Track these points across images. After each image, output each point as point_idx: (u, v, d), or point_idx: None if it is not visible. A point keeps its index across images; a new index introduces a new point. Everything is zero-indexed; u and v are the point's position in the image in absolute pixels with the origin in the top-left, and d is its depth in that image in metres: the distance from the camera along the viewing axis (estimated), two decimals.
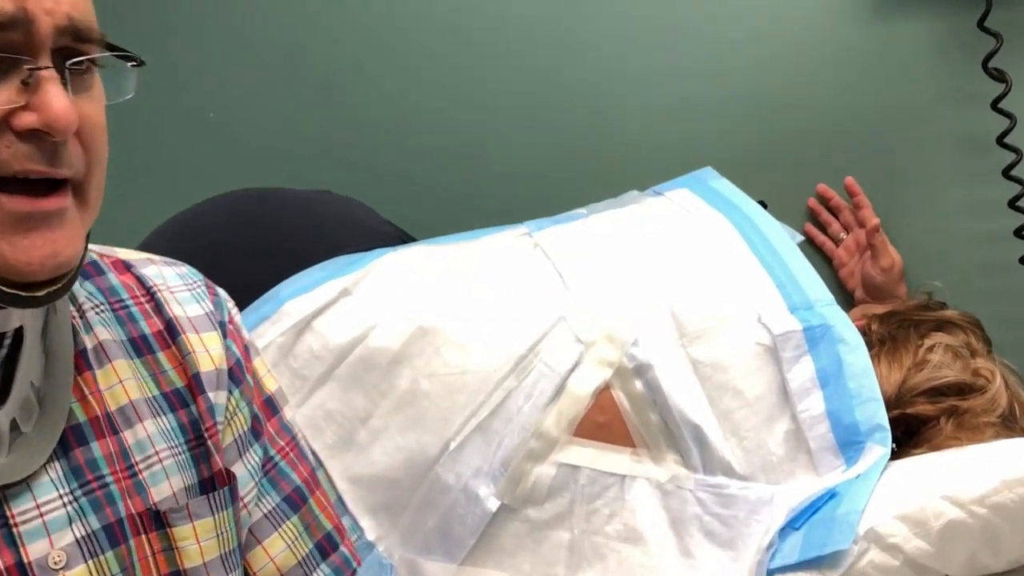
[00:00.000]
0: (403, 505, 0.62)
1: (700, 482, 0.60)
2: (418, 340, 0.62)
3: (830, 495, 0.58)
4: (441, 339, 0.61)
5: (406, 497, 0.61)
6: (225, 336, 0.46)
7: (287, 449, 0.50)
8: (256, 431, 0.47)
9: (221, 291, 0.49)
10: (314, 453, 0.57)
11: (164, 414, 0.41)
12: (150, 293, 0.43)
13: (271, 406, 0.50)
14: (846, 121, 0.81)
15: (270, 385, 0.50)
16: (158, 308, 0.43)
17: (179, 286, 0.45)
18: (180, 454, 0.41)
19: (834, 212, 0.86)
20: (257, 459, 0.47)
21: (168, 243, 0.68)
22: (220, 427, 0.43)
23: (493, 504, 0.60)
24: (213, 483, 0.42)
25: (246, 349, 0.48)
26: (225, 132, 0.90)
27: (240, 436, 0.45)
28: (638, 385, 0.61)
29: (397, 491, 0.62)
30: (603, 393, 0.60)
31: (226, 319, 0.47)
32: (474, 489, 0.60)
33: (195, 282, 0.47)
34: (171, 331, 0.43)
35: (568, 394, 0.60)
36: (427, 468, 0.60)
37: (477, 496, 0.60)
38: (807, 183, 0.86)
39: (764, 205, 0.74)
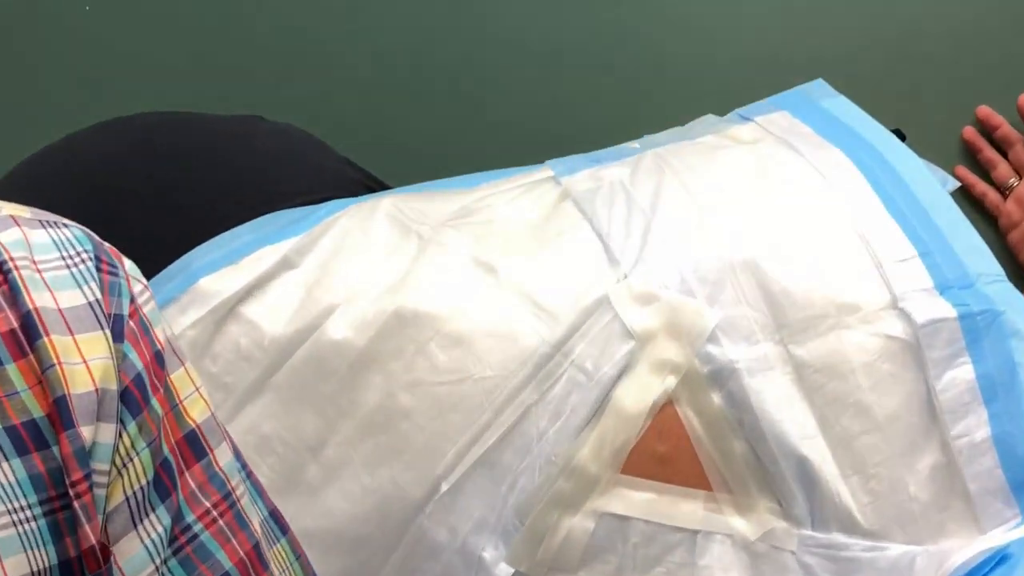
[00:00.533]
0: (373, 574, 0.61)
1: (807, 541, 0.58)
2: (395, 333, 0.60)
3: (1000, 558, 0.56)
4: (428, 331, 0.60)
5: (376, 562, 0.60)
6: (119, 338, 0.43)
7: (215, 513, 0.47)
8: (164, 486, 0.44)
9: (127, 265, 0.47)
10: (274, 513, 0.54)
11: (7, 459, 0.38)
12: (1, 271, 0.41)
13: (195, 445, 0.46)
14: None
15: (196, 412, 0.47)
16: (12, 294, 0.40)
17: (52, 260, 0.43)
18: (27, 521, 0.38)
19: (1001, 148, 0.85)
20: (162, 530, 0.44)
21: (36, 188, 0.67)
22: (101, 480, 0.41)
23: (504, 573, 0.59)
24: (82, 568, 0.39)
25: (157, 357, 0.46)
26: (112, 29, 0.88)
27: (136, 494, 0.43)
28: (716, 399, 0.60)
29: (364, 554, 0.61)
30: (664, 411, 0.59)
31: (125, 311, 0.45)
32: (476, 550, 0.59)
33: (79, 253, 0.44)
34: (28, 330, 0.40)
35: (613, 412, 0.59)
36: (408, 520, 0.59)
37: (480, 561, 0.59)
38: (962, 105, 0.84)
39: (901, 136, 0.72)
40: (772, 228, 0.64)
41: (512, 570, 0.61)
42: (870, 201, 0.64)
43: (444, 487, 0.60)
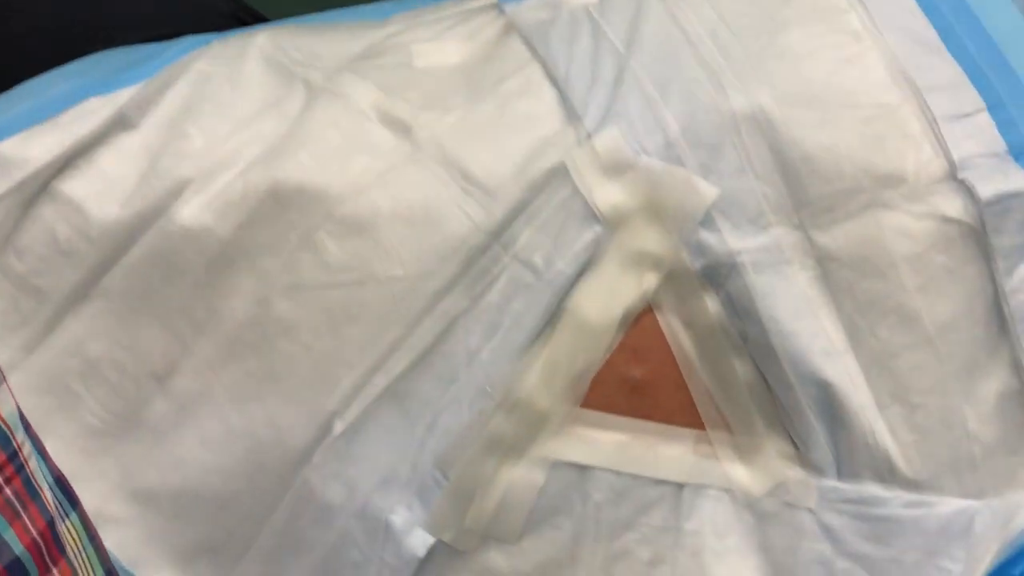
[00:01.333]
0: (241, 546, 0.51)
1: (831, 494, 0.48)
2: (270, 218, 0.49)
3: None
4: (317, 215, 0.48)
5: (246, 531, 0.50)
6: None
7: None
8: None
9: None
10: (60, 480, 0.47)
11: None
12: None
13: None
14: None
15: None
16: None
17: None
18: None
19: None
20: None
21: None
22: None
23: (420, 543, 0.50)
24: None
25: None
26: None
27: None
28: (711, 305, 0.49)
29: (229, 520, 0.50)
30: (641, 323, 0.49)
31: None
32: (381, 513, 0.48)
33: None
34: None
35: (571, 325, 0.48)
36: (289, 473, 0.49)
37: (388, 528, 0.49)
38: None
39: None
40: (790, 72, 0.52)
41: (431, 540, 0.50)
42: (921, 33, 0.51)
43: (338, 428, 0.48)
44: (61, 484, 0.47)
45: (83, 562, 0.47)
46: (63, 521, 0.45)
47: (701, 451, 0.49)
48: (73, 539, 0.46)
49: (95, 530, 0.48)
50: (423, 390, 0.49)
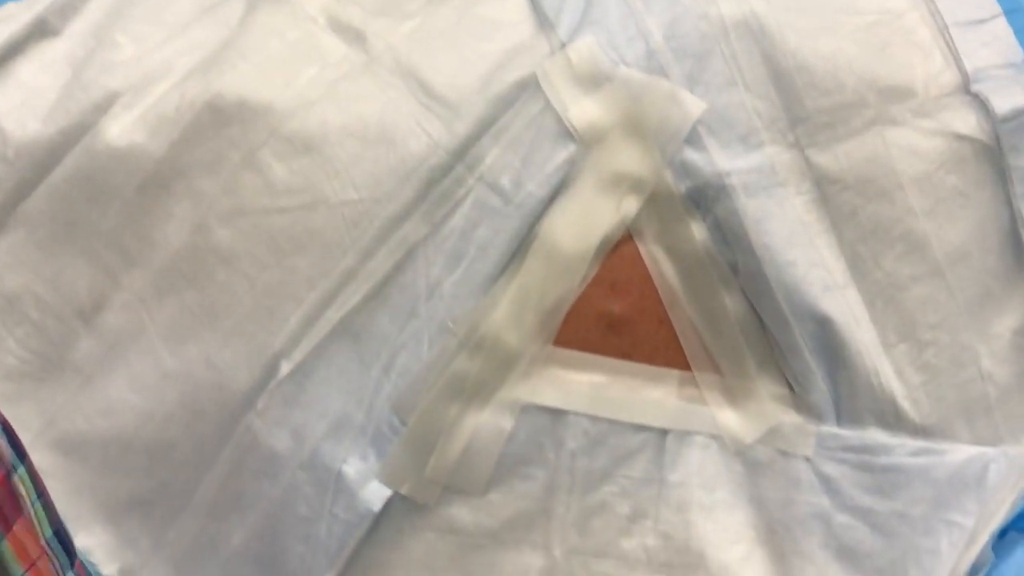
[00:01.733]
0: (178, 501, 0.48)
1: (830, 441, 0.45)
2: (208, 135, 0.45)
3: None
4: (260, 132, 0.44)
5: (183, 484, 0.47)
6: None
7: None
8: None
9: None
10: (6, 430, 0.43)
11: None
12: None
13: None
14: None
15: None
16: None
17: None
18: None
19: None
20: None
21: None
22: None
23: (375, 496, 0.46)
24: None
25: None
26: None
27: None
28: (698, 233, 0.46)
29: (164, 471, 0.47)
30: (620, 252, 0.45)
31: None
32: (333, 462, 0.45)
33: None
34: None
35: (543, 254, 0.44)
36: (230, 420, 0.45)
37: (340, 479, 0.45)
38: None
39: None
40: None
41: (387, 492, 0.47)
42: None
43: (284, 369, 0.44)
44: (7, 432, 0.44)
45: (32, 520, 0.44)
46: (11, 475, 0.42)
47: (686, 394, 0.45)
48: (22, 495, 0.42)
49: (44, 486, 0.45)
50: (379, 326, 0.45)
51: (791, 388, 0.45)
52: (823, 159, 0.45)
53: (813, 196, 0.45)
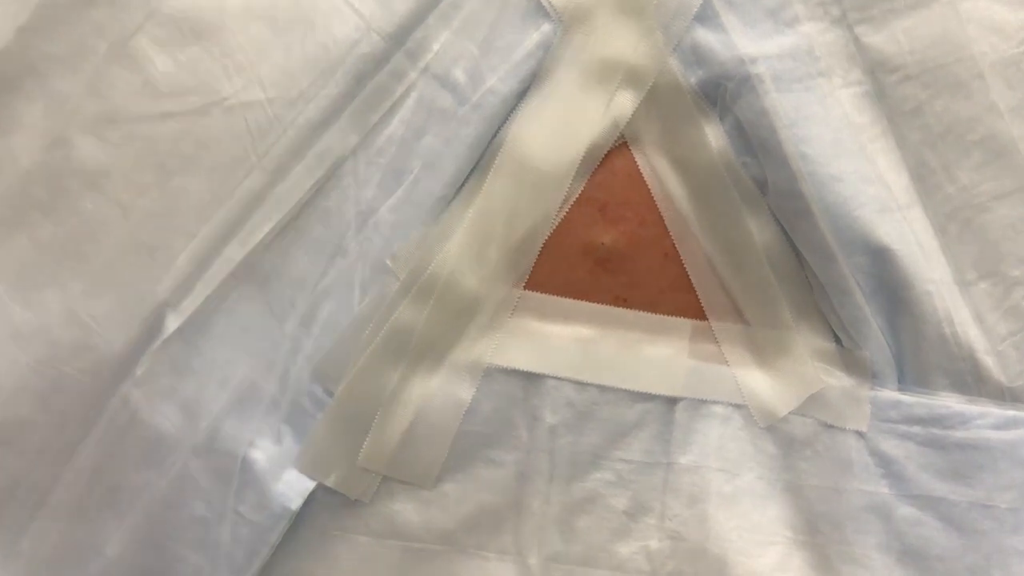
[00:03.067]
0: (33, 498, 0.40)
1: (890, 409, 0.38)
2: (67, 16, 0.37)
3: None
4: (137, 10, 0.38)
5: (39, 477, 0.40)
6: None
7: None
8: None
9: None
10: None
11: None
12: None
13: None
14: None
15: None
16: None
17: None
18: None
19: None
20: None
21: None
22: None
23: (293, 490, 0.40)
24: None
25: None
26: None
27: None
28: (714, 138, 0.39)
29: (15, 461, 0.39)
30: (611, 165, 0.38)
31: None
32: (236, 445, 0.38)
33: None
34: None
35: (510, 169, 0.38)
36: (99, 391, 0.39)
37: (246, 467, 0.39)
38: None
39: None
40: None
41: (309, 485, 0.40)
42: None
43: (171, 324, 0.37)
44: None
45: None
46: None
47: (701, 351, 0.38)
48: None
49: None
50: (294, 267, 0.38)
51: (838, 341, 0.39)
52: (878, 39, 0.37)
53: (865, 89, 0.37)
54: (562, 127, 0.37)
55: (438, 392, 0.37)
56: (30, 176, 0.38)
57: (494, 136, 0.38)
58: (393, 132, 0.37)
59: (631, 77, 0.37)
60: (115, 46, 0.38)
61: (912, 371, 0.38)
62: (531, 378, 0.37)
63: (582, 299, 0.38)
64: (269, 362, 0.38)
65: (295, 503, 0.37)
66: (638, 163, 0.38)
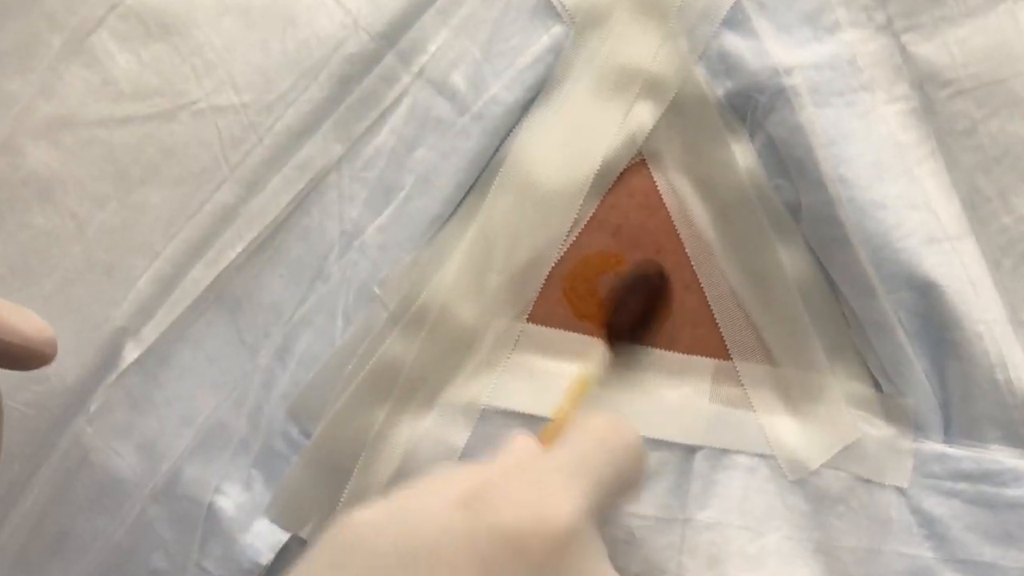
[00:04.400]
0: None
1: (936, 465, 0.35)
2: (15, 7, 0.37)
3: None
4: (97, 2, 0.37)
5: None
6: None
7: None
8: None
9: None
10: None
11: None
12: None
13: None
14: None
15: None
16: None
17: None
18: None
19: None
20: None
21: None
22: None
23: (263, 543, 0.36)
24: None
25: None
26: None
27: None
28: (741, 156, 0.37)
29: None
30: (628, 185, 0.36)
31: None
32: (199, 492, 0.35)
33: None
34: None
35: (512, 186, 0.36)
36: (48, 428, 0.36)
37: (212, 515, 0.36)
38: None
39: None
40: None
41: (283, 537, 0.37)
42: None
43: (130, 354, 0.35)
44: None
45: None
46: None
47: (724, 394, 0.36)
48: None
49: None
50: (269, 292, 0.35)
51: (877, 386, 0.36)
52: (928, 50, 0.35)
53: (912, 105, 0.35)
54: (573, 141, 0.34)
55: (429, 435, 0.34)
56: None
57: (496, 150, 0.35)
58: (383, 143, 0.35)
59: (651, 87, 0.34)
60: (71, 41, 0.36)
61: (960, 421, 0.35)
62: (533, 422, 0.34)
63: (592, 334, 0.35)
64: (239, 398, 0.35)
65: (265, 557, 0.35)
66: (657, 183, 0.35)
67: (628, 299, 0.34)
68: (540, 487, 0.27)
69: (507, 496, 0.26)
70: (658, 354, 0.35)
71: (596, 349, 0.34)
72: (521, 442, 0.30)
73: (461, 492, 0.26)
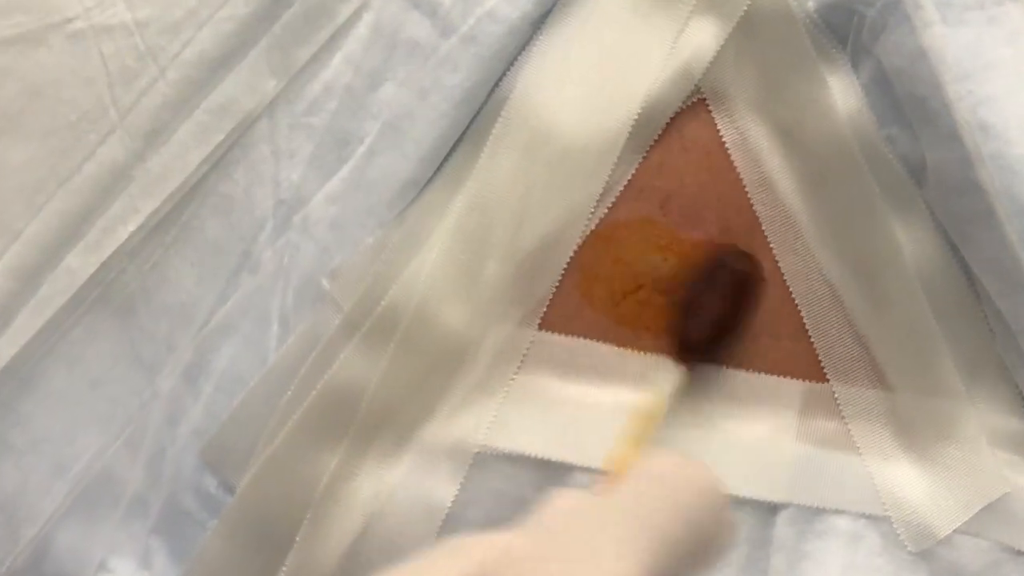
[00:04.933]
0: None
1: None
2: None
3: None
4: None
5: None
6: None
7: None
8: None
9: None
10: None
11: None
12: None
13: None
14: None
15: None
16: None
17: None
18: None
19: None
20: None
21: None
22: None
23: None
24: None
25: None
26: None
27: None
28: (842, 94, 0.29)
29: None
30: (682, 130, 0.29)
31: None
32: (75, 569, 0.31)
33: None
34: None
35: (520, 135, 0.29)
36: None
37: None
38: None
39: None
40: None
41: None
42: None
43: None
44: None
45: None
46: None
47: (816, 431, 0.29)
48: None
49: None
50: (175, 288, 0.30)
51: None
52: None
53: None
54: (603, 74, 0.28)
55: (402, 488, 0.28)
56: None
57: (495, 87, 0.28)
58: (334, 77, 0.30)
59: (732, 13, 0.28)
60: None
61: None
62: (550, 470, 0.27)
63: (629, 346, 0.27)
64: (133, 438, 0.30)
65: None
66: (722, 134, 0.29)
67: (704, 298, 0.26)
68: (585, 554, 0.19)
69: (538, 570, 0.18)
70: (726, 374, 0.27)
71: (660, 369, 0.26)
72: (563, 500, 0.22)
73: (478, 569, 0.18)
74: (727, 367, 0.29)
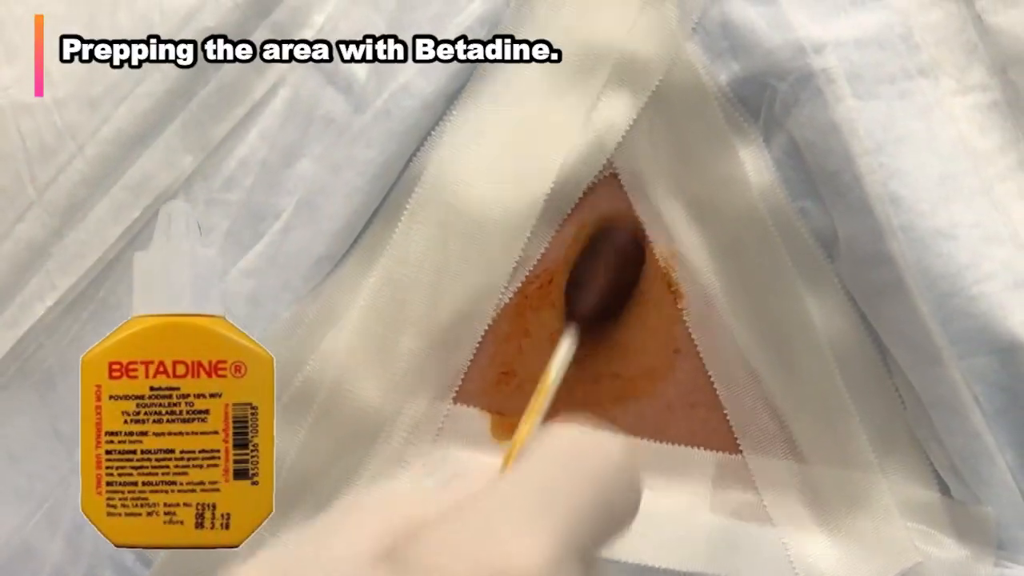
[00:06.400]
0: None
1: None
2: None
3: None
4: None
5: None
6: None
7: None
8: None
9: None
10: None
11: None
12: None
13: None
14: None
15: None
16: None
17: None
18: None
19: None
20: None
21: None
22: None
23: None
24: None
25: None
26: None
27: None
28: (754, 168, 0.29)
29: None
30: (596, 205, 0.29)
31: None
32: None
33: None
34: None
35: (435, 211, 0.29)
36: None
37: None
38: None
39: None
40: None
41: None
42: None
43: None
44: None
45: None
46: None
47: (730, 502, 0.29)
48: None
49: None
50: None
51: (945, 489, 0.30)
52: (1012, 19, 0.28)
53: (992, 97, 0.29)
54: (517, 151, 0.28)
55: None
56: None
57: (409, 161, 0.29)
58: (250, 153, 0.29)
59: (626, 71, 0.28)
60: None
61: None
62: None
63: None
64: (52, 512, 0.30)
65: None
66: (636, 208, 0.28)
67: (591, 267, 0.27)
68: (490, 530, 0.19)
69: (444, 544, 0.18)
70: (641, 445, 0.27)
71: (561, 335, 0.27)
72: (480, 468, 0.22)
73: (383, 539, 0.18)
74: (644, 438, 0.30)
